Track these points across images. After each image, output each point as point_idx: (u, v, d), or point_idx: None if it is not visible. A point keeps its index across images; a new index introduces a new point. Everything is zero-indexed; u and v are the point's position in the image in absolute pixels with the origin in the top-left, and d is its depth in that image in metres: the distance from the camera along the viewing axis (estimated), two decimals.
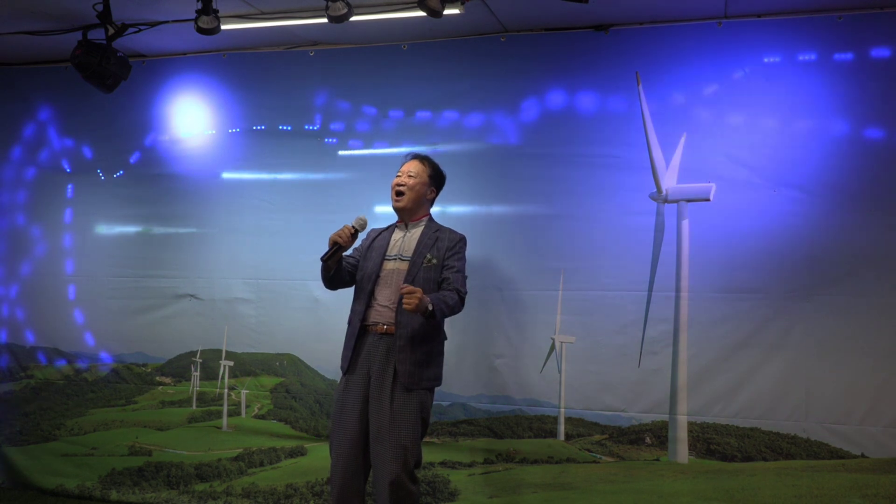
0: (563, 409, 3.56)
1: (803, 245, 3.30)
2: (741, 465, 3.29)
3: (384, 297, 2.97)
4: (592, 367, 3.53)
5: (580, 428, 3.53)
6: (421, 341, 2.90)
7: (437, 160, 3.69)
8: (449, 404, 3.72)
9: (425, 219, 3.13)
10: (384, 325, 2.92)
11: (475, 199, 3.78)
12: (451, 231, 3.11)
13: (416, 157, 3.18)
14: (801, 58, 3.37)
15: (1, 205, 4.55)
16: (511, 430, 3.63)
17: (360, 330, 2.96)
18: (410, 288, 2.74)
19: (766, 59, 3.39)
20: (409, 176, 3.05)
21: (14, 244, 4.54)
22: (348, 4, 3.11)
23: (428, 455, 3.64)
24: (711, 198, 3.40)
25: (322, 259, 2.94)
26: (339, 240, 2.93)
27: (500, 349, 3.66)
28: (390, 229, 3.16)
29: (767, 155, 3.36)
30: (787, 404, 3.27)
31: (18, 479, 4.30)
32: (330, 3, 3.09)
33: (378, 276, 3.01)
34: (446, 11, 3.12)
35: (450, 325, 3.66)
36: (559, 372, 3.58)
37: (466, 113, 3.80)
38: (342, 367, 3.00)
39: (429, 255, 2.99)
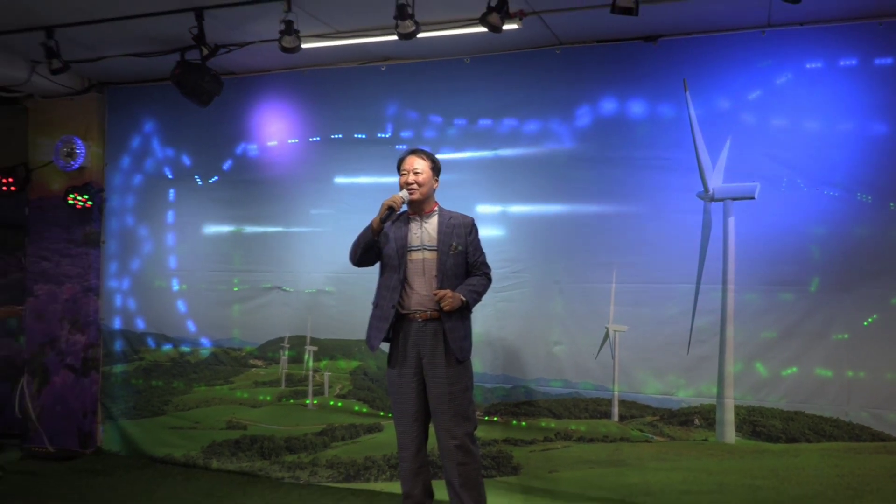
0: (616, 393, 3.65)
1: (843, 240, 3.31)
2: (786, 447, 3.34)
3: (421, 285, 3.07)
4: (644, 354, 3.60)
5: (633, 410, 3.61)
6: (463, 320, 3.11)
7: (497, 165, 3.83)
8: (511, 387, 3.84)
9: (437, 208, 3.21)
10: (427, 311, 3.05)
11: (534, 200, 3.86)
12: (462, 216, 3.20)
13: (414, 152, 3.19)
14: (842, 63, 3.34)
15: (113, 208, 4.81)
16: (569, 411, 3.73)
17: (397, 317, 3.07)
18: (441, 293, 2.98)
19: (808, 65, 3.38)
20: (416, 172, 3.11)
21: (126, 242, 4.80)
22: (416, 22, 3.21)
23: (493, 433, 3.84)
24: (756, 196, 3.43)
25: (381, 221, 3.02)
26: (394, 205, 3.03)
27: (558, 337, 3.76)
28: (403, 220, 3.18)
29: (809, 155, 3.36)
30: (829, 390, 3.30)
31: (133, 449, 4.63)
32: (399, 22, 3.19)
33: (407, 266, 3.09)
34: (505, 27, 3.20)
35: (512, 315, 3.85)
36: (613, 358, 3.66)
37: (525, 120, 3.85)
38: (373, 345, 3.11)
39: (454, 244, 3.10)
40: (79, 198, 4.71)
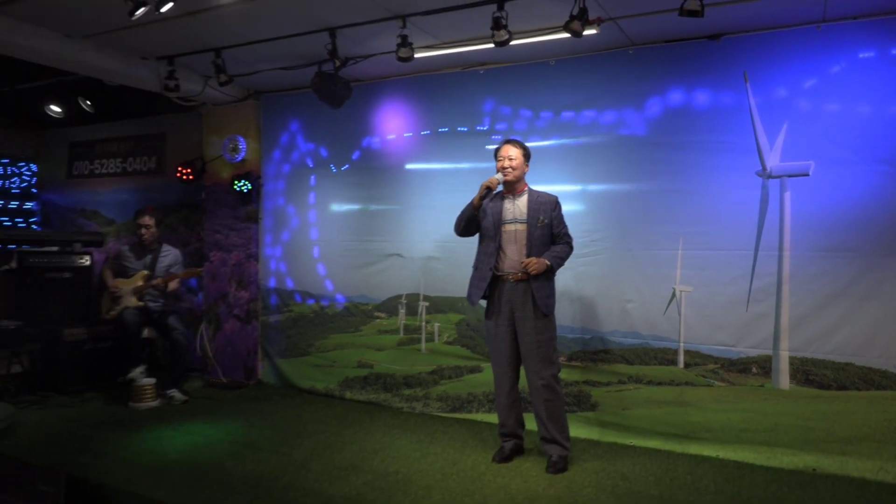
0: (682, 344, 3.85)
1: (891, 211, 3.41)
2: (837, 393, 3.47)
3: (513, 252, 3.38)
4: (707, 311, 3.80)
5: (696, 359, 3.83)
6: (548, 280, 3.45)
7: (578, 150, 4.12)
8: (590, 337, 4.13)
9: (527, 188, 3.51)
10: (519, 273, 3.38)
11: (610, 180, 4.10)
12: (547, 194, 3.48)
13: (509, 142, 3.47)
14: (893, 52, 3.38)
15: (268, 191, 5.40)
16: (640, 359, 3.99)
17: (493, 278, 3.41)
18: (527, 261, 3.30)
19: (861, 55, 3.46)
20: (510, 159, 3.43)
21: (278, 219, 5.37)
22: (509, 32, 3.49)
23: (574, 375, 4.14)
24: (810, 173, 3.57)
25: (480, 198, 3.37)
26: (491, 185, 3.39)
27: (630, 296, 4.03)
28: (500, 197, 3.50)
29: (860, 136, 3.46)
30: (878, 345, 3.42)
31: (285, 382, 5.23)
32: (495, 32, 3.48)
33: (502, 236, 3.40)
34: (585, 32, 3.44)
35: (591, 277, 4.11)
36: (679, 314, 3.88)
37: (602, 111, 4.10)
38: (474, 301, 3.44)
39: (541, 218, 3.40)
40: (241, 184, 5.32)
